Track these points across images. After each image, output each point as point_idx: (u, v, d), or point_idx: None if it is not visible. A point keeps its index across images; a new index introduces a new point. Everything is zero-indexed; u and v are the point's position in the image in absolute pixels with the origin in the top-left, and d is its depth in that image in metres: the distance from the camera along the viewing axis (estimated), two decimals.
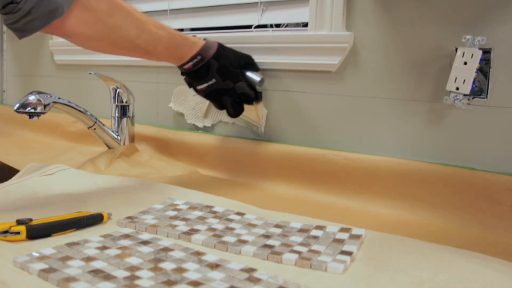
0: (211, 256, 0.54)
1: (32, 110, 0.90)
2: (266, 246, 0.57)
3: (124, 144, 1.08)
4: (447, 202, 0.73)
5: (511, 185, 0.68)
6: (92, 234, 0.59)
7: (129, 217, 0.66)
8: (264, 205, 0.74)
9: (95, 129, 1.04)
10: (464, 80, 0.71)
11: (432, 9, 0.76)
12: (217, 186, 0.90)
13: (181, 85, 1.12)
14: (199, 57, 0.82)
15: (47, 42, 1.47)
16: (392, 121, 0.82)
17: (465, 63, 0.71)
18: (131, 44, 0.75)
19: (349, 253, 0.55)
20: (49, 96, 0.92)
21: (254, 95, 0.89)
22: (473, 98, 0.72)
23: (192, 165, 1.03)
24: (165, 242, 0.57)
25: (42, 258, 0.51)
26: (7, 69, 1.69)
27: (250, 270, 0.50)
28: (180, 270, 0.50)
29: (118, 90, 1.08)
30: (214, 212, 0.69)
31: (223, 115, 1.05)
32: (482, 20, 0.72)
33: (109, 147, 1.08)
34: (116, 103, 1.08)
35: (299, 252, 0.55)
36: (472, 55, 0.70)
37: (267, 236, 0.60)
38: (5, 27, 1.69)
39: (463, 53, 0.71)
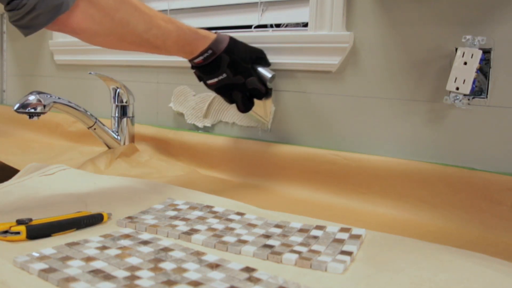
0: (211, 256, 0.54)
1: (32, 110, 0.90)
2: (266, 246, 0.57)
3: (124, 144, 1.08)
4: (447, 202, 0.73)
5: (511, 185, 0.68)
6: (92, 234, 0.59)
7: (129, 217, 0.66)
8: (264, 205, 0.74)
9: (95, 129, 1.04)
10: (464, 80, 0.71)
11: (432, 9, 0.76)
12: (217, 186, 0.90)
13: (181, 85, 1.12)
14: (210, 51, 0.81)
15: (47, 42, 1.47)
16: (392, 121, 0.82)
17: (465, 63, 0.71)
18: (139, 38, 0.74)
19: (349, 253, 0.55)
20: (49, 96, 0.92)
21: (264, 91, 0.88)
22: (473, 98, 0.72)
23: (192, 165, 1.03)
24: (165, 242, 0.57)
25: (42, 258, 0.51)
26: (7, 69, 1.69)
27: (250, 270, 0.50)
28: (180, 270, 0.50)
29: (118, 90, 1.08)
30: (214, 212, 0.69)
31: (223, 115, 1.05)
32: (482, 20, 0.72)
33: (109, 147, 1.08)
34: (116, 103, 1.08)
35: (299, 252, 0.55)
36: (472, 55, 0.70)
37: (267, 236, 0.60)
38: (5, 27, 1.69)
39: (463, 53, 0.71)
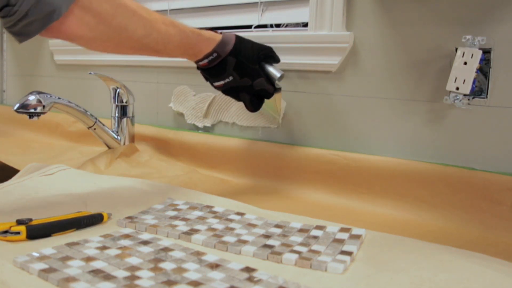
0: (211, 256, 0.54)
1: (32, 110, 0.90)
2: (266, 246, 0.57)
3: (124, 144, 1.08)
4: (447, 202, 0.73)
5: (511, 185, 0.68)
6: (92, 234, 0.59)
7: (129, 217, 0.66)
8: (264, 205, 0.74)
9: (95, 129, 1.04)
10: (464, 80, 0.71)
11: (432, 9, 0.76)
12: (217, 186, 0.90)
13: (181, 85, 1.12)
14: (214, 55, 0.78)
15: (47, 42, 1.47)
16: (392, 121, 0.82)
17: (465, 63, 0.71)
18: (138, 44, 0.72)
19: (349, 253, 0.55)
20: (49, 96, 0.92)
21: (273, 90, 0.85)
22: (473, 98, 0.72)
23: (192, 165, 1.03)
24: (165, 242, 0.57)
25: (42, 258, 0.51)
26: (7, 69, 1.69)
27: (250, 270, 0.50)
28: (180, 270, 0.50)
29: (118, 90, 1.08)
30: (214, 212, 0.69)
31: (223, 115, 1.05)
32: (482, 20, 0.72)
33: (109, 147, 1.08)
34: (116, 103, 1.08)
35: (299, 252, 0.55)
36: (472, 55, 0.70)
37: (267, 236, 0.60)
38: None
39: (463, 53, 0.71)
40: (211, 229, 0.62)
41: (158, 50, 0.75)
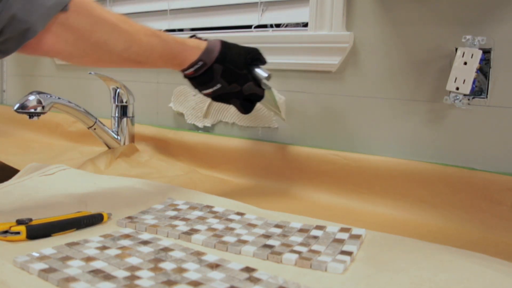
0: (211, 256, 0.54)
1: (32, 110, 0.90)
2: (266, 246, 0.57)
3: (124, 144, 1.08)
4: (447, 202, 0.73)
5: (511, 185, 0.68)
6: (92, 234, 0.59)
7: (129, 217, 0.66)
8: (264, 205, 0.74)
9: (95, 129, 1.04)
10: (464, 80, 0.71)
11: (432, 9, 0.76)
12: (217, 186, 0.90)
13: (181, 85, 1.12)
14: (200, 63, 0.76)
15: None
16: (392, 121, 0.82)
17: (465, 63, 0.71)
18: (119, 58, 0.70)
19: (349, 253, 0.55)
20: (49, 96, 0.92)
21: (262, 93, 0.83)
22: (473, 98, 0.72)
23: (192, 165, 1.03)
24: (165, 242, 0.57)
25: (42, 258, 0.51)
26: (7, 69, 1.69)
27: (250, 270, 0.50)
28: (180, 270, 0.50)
29: (118, 90, 1.08)
30: (214, 212, 0.69)
31: (223, 115, 1.05)
32: (482, 20, 0.72)
33: (109, 147, 1.08)
34: (116, 103, 1.08)
35: (299, 252, 0.55)
36: (472, 55, 0.70)
37: (267, 236, 0.60)
38: None
39: (463, 53, 0.71)
40: (211, 229, 0.62)
41: (140, 62, 0.73)
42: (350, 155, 0.83)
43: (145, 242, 0.57)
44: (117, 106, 1.08)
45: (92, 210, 0.67)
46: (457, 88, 0.72)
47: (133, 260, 0.52)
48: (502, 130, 0.71)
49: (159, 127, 1.14)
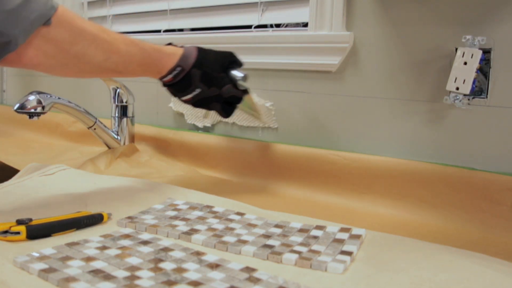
0: (211, 256, 0.54)
1: (32, 110, 0.90)
2: (266, 246, 0.57)
3: (124, 144, 1.08)
4: (447, 202, 0.73)
5: (511, 185, 0.68)
6: (92, 234, 0.59)
7: (129, 217, 0.66)
8: (264, 205, 0.74)
9: (95, 129, 1.04)
10: (464, 80, 0.71)
11: (432, 9, 0.76)
12: (217, 186, 0.90)
13: None
14: (178, 69, 0.77)
15: None
16: (392, 121, 0.82)
17: (465, 63, 0.71)
18: (98, 68, 0.71)
19: (349, 253, 0.55)
20: (49, 96, 0.92)
21: (241, 95, 0.84)
22: (473, 98, 0.72)
23: (192, 165, 1.03)
24: (165, 242, 0.57)
25: (42, 258, 0.51)
26: (7, 69, 1.69)
27: (250, 270, 0.50)
28: (180, 270, 0.50)
29: (118, 90, 1.08)
30: (214, 212, 0.69)
31: None
32: (482, 20, 0.72)
33: (109, 147, 1.08)
34: (116, 103, 1.08)
35: (299, 252, 0.55)
36: (472, 55, 0.70)
37: (267, 236, 0.60)
38: None
39: (463, 53, 0.71)
40: (211, 229, 0.62)
41: (119, 72, 0.73)
42: (350, 155, 0.83)
43: (145, 242, 0.57)
44: (117, 106, 1.08)
45: (92, 210, 0.67)
46: (457, 88, 0.72)
47: (133, 260, 0.52)
48: (502, 130, 0.71)
49: (159, 127, 1.14)
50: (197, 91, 0.80)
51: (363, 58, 0.84)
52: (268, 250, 0.55)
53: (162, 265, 0.51)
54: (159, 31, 1.18)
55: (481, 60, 0.70)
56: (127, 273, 0.49)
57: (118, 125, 1.08)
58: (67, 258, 0.51)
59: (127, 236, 0.59)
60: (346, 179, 0.82)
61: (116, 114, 1.08)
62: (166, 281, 0.47)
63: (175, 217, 0.66)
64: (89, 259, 0.51)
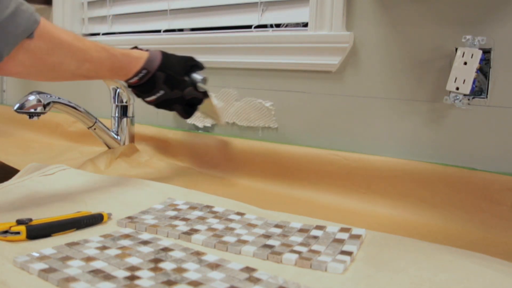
0: (211, 256, 0.54)
1: (32, 110, 0.90)
2: (266, 246, 0.57)
3: (124, 144, 1.08)
4: (447, 202, 0.73)
5: (511, 185, 0.68)
6: (92, 234, 0.59)
7: (129, 217, 0.66)
8: (264, 205, 0.74)
9: (95, 129, 1.04)
10: (464, 80, 0.71)
11: (432, 9, 0.76)
12: (217, 186, 0.90)
13: None
14: (144, 71, 0.81)
15: None
16: (392, 121, 0.82)
17: (465, 63, 0.71)
18: (71, 75, 0.75)
19: (349, 253, 0.55)
20: (49, 96, 0.92)
21: (202, 96, 0.89)
22: (473, 98, 0.72)
23: (192, 165, 1.03)
24: (165, 242, 0.57)
25: (42, 258, 0.51)
26: None
27: (250, 270, 0.50)
28: (180, 270, 0.50)
29: (118, 90, 1.08)
30: (214, 212, 0.69)
31: (223, 115, 1.05)
32: (482, 20, 0.72)
33: (109, 147, 1.08)
34: (116, 103, 1.08)
35: (299, 252, 0.55)
36: (472, 55, 0.70)
37: (267, 236, 0.60)
38: None
39: (463, 53, 0.71)
40: (211, 229, 0.62)
41: (90, 76, 0.77)
42: (350, 155, 0.83)
43: (145, 242, 0.57)
44: (117, 106, 1.08)
45: (92, 210, 0.67)
46: (457, 88, 0.72)
47: (133, 260, 0.52)
48: (502, 130, 0.71)
49: (159, 127, 1.14)
50: (161, 92, 0.84)
51: (363, 58, 0.84)
52: (268, 250, 0.55)
53: (162, 265, 0.51)
54: (159, 31, 1.18)
55: (481, 60, 0.70)
56: (127, 273, 0.49)
57: (118, 125, 1.08)
58: (67, 258, 0.51)
59: (127, 236, 0.59)
60: (346, 179, 0.82)
61: (116, 114, 1.08)
62: (166, 281, 0.47)
63: (175, 217, 0.66)
64: (89, 259, 0.51)
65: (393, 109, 0.82)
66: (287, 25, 0.99)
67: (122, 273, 0.48)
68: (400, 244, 0.60)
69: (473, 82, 0.70)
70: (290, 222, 0.65)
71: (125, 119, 1.08)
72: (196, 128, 1.10)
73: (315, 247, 0.57)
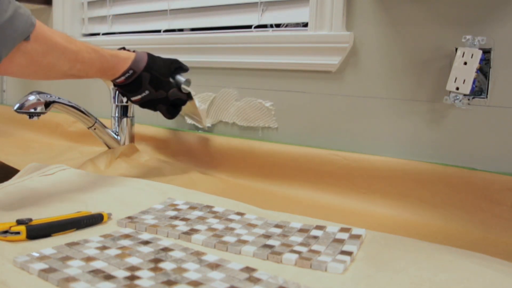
0: (211, 256, 0.54)
1: (32, 110, 0.90)
2: (266, 246, 0.57)
3: (124, 144, 1.08)
4: (447, 202, 0.73)
5: (511, 185, 0.68)
6: (92, 234, 0.59)
7: (129, 217, 0.66)
8: (264, 205, 0.74)
9: (95, 129, 1.04)
10: (464, 80, 0.71)
11: (432, 9, 0.76)
12: (217, 186, 0.90)
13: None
14: (131, 71, 0.84)
15: None
16: (392, 121, 0.82)
17: (465, 63, 0.71)
18: (63, 75, 0.77)
19: (349, 253, 0.55)
20: (49, 96, 0.92)
21: (186, 97, 0.92)
22: (473, 98, 0.72)
23: (192, 165, 1.03)
24: (165, 242, 0.57)
25: (42, 258, 0.51)
26: None
27: (250, 270, 0.50)
28: (180, 270, 0.50)
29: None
30: (214, 212, 0.69)
31: (223, 115, 1.05)
32: (482, 20, 0.72)
33: (109, 147, 1.08)
34: (116, 103, 1.08)
35: (299, 252, 0.55)
36: (472, 55, 0.70)
37: (267, 236, 0.60)
38: None
39: (463, 53, 0.71)
40: (211, 229, 0.62)
41: (80, 76, 0.80)
42: (350, 155, 0.83)
43: (145, 242, 0.57)
44: (117, 106, 1.08)
45: (92, 210, 0.67)
46: (457, 88, 0.72)
47: (133, 260, 0.52)
48: (502, 130, 0.71)
49: (159, 127, 1.14)
50: (146, 92, 0.87)
51: (363, 58, 0.84)
52: (268, 250, 0.55)
53: (162, 265, 0.51)
54: (159, 31, 1.18)
55: (481, 60, 0.70)
56: (127, 273, 0.49)
57: (118, 125, 1.08)
58: (67, 258, 0.51)
59: (127, 236, 0.59)
60: (346, 179, 0.82)
61: (116, 114, 1.08)
62: (166, 281, 0.47)
63: (175, 217, 0.66)
64: (89, 259, 0.51)
65: (393, 109, 0.82)
66: (287, 25, 0.99)
67: (122, 273, 0.48)
68: (400, 244, 0.60)
69: (473, 82, 0.70)
70: (290, 222, 0.65)
71: (125, 119, 1.08)
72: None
73: (315, 247, 0.57)
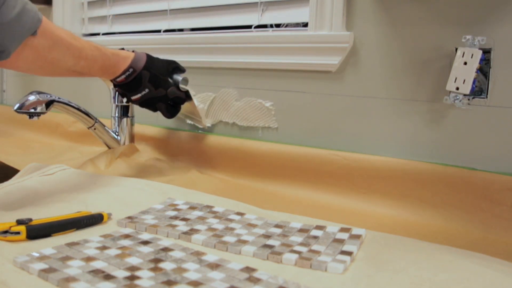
0: (211, 256, 0.54)
1: (32, 110, 0.90)
2: (266, 246, 0.57)
3: (124, 144, 1.08)
4: (447, 202, 0.73)
5: (511, 185, 0.68)
6: (92, 234, 0.59)
7: (129, 217, 0.66)
8: (264, 205, 0.74)
9: (95, 129, 1.04)
10: (464, 80, 0.71)
11: (432, 9, 0.76)
12: (217, 186, 0.90)
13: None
14: (131, 70, 0.85)
15: None
16: (392, 121, 0.82)
17: (465, 63, 0.71)
18: (68, 71, 0.79)
19: (349, 253, 0.55)
20: (49, 96, 0.92)
21: (184, 96, 0.93)
22: (473, 98, 0.72)
23: (192, 165, 1.03)
24: (165, 242, 0.57)
25: (42, 258, 0.51)
26: (7, 69, 1.69)
27: (250, 270, 0.50)
28: (180, 270, 0.50)
29: None
30: (214, 212, 0.69)
31: (223, 115, 1.05)
32: (482, 20, 0.72)
33: (109, 147, 1.08)
34: (116, 103, 1.08)
35: (299, 252, 0.55)
36: (472, 55, 0.70)
37: (267, 236, 0.60)
38: None
39: (463, 53, 0.71)
40: (211, 229, 0.62)
41: (83, 73, 0.82)
42: (350, 155, 0.83)
43: (145, 242, 0.57)
44: (117, 106, 1.08)
45: (92, 210, 0.67)
46: (457, 88, 0.72)
47: (133, 260, 0.52)
48: (502, 130, 0.71)
49: (159, 127, 1.14)
50: (146, 91, 0.88)
51: (363, 58, 0.84)
52: (268, 250, 0.55)
53: (162, 265, 0.51)
54: (159, 31, 1.18)
55: (481, 60, 0.70)
56: (127, 273, 0.49)
57: (118, 125, 1.08)
58: (67, 258, 0.52)
59: (127, 236, 0.59)
60: (346, 179, 0.82)
61: (116, 114, 1.08)
62: (166, 281, 0.47)
63: (175, 217, 0.66)
64: (89, 259, 0.51)
65: (393, 109, 0.82)
66: (287, 25, 0.99)
67: (122, 273, 0.48)
68: (400, 244, 0.60)
69: (473, 82, 0.70)
70: (290, 222, 0.65)
71: (125, 119, 1.08)
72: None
73: (315, 247, 0.57)
